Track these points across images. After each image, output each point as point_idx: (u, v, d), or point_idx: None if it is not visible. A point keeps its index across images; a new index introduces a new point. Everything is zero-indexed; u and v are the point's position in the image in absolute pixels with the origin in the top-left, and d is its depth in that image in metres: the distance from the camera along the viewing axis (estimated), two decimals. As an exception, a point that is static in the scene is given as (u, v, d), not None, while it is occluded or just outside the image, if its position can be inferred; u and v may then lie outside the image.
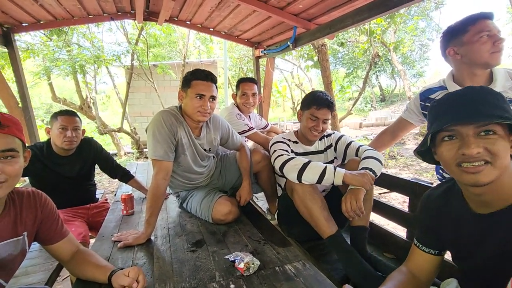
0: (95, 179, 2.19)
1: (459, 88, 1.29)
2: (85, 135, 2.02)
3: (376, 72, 17.59)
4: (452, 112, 0.72)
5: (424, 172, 5.16)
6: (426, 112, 1.47)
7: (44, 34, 5.82)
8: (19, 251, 0.98)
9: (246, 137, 2.13)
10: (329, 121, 1.68)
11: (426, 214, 0.95)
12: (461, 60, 1.28)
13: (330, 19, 2.44)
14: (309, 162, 1.43)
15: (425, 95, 1.46)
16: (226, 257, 1.25)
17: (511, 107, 0.72)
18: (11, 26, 2.55)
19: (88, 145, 2.02)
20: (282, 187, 1.84)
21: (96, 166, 2.11)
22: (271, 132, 2.54)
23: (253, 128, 2.16)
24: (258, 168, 1.90)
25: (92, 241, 1.97)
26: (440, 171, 1.56)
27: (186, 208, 1.83)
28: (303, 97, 1.76)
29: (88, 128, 9.41)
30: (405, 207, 1.65)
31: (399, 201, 3.71)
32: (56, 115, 1.84)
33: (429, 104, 1.45)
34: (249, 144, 2.33)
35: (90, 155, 2.02)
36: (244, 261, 1.16)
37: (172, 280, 1.11)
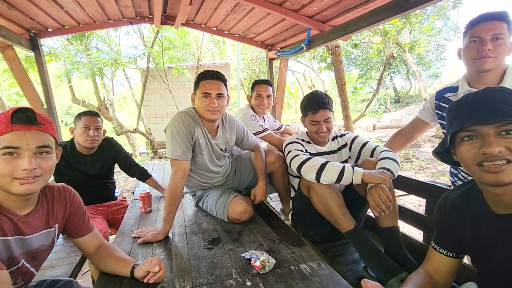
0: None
1: (469, 88, 1.29)
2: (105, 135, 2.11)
3: (390, 73, 17.29)
4: (472, 112, 0.72)
5: (440, 175, 5.03)
6: (439, 112, 1.47)
7: (66, 38, 6.06)
8: (50, 242, 1.04)
9: (260, 138, 2.16)
10: (331, 119, 1.68)
11: (444, 216, 0.95)
12: (463, 62, 1.30)
13: (345, 21, 2.44)
14: (327, 162, 1.44)
15: (440, 94, 1.46)
16: (242, 255, 1.28)
17: None
18: (38, 31, 2.69)
19: (109, 144, 2.11)
20: (296, 187, 1.85)
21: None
22: (285, 133, 2.56)
23: (267, 129, 2.19)
24: (272, 168, 1.92)
25: (111, 237, 2.05)
26: (454, 172, 1.54)
27: (202, 207, 1.87)
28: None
29: (105, 128, 9.72)
30: (420, 211, 1.63)
31: (414, 204, 3.64)
32: (80, 115, 1.93)
33: (443, 104, 1.44)
34: (263, 145, 2.35)
35: (111, 154, 2.11)
36: (260, 259, 1.18)
37: (190, 276, 1.15)
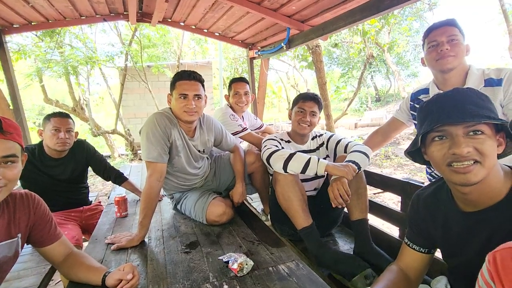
0: (88, 181, 2.18)
1: (437, 90, 1.37)
2: (78, 137, 2.01)
3: (371, 72, 17.74)
4: (442, 113, 0.73)
5: (418, 172, 5.22)
6: (414, 112, 1.53)
7: (36, 35, 5.75)
8: (13, 253, 0.98)
9: (240, 137, 2.14)
10: (318, 116, 1.73)
11: (416, 213, 0.97)
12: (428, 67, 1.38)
13: (323, 21, 2.46)
14: (295, 152, 1.49)
15: (415, 95, 1.53)
16: (220, 258, 1.26)
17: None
18: (2, 27, 2.52)
19: (81, 147, 2.01)
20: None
21: (90, 168, 2.10)
22: (266, 133, 2.55)
23: (247, 129, 2.17)
24: (252, 169, 1.91)
25: (85, 244, 1.96)
26: (429, 171, 1.59)
27: (180, 210, 1.83)
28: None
29: (81, 130, 9.32)
30: (396, 208, 1.67)
31: (393, 201, 3.75)
32: (49, 117, 1.83)
33: (417, 105, 1.50)
34: (244, 145, 2.34)
35: (83, 157, 2.01)
36: (238, 261, 1.16)
37: (166, 282, 1.12)
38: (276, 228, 1.79)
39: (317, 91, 1.74)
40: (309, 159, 1.43)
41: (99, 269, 1.08)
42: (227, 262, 1.20)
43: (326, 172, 1.43)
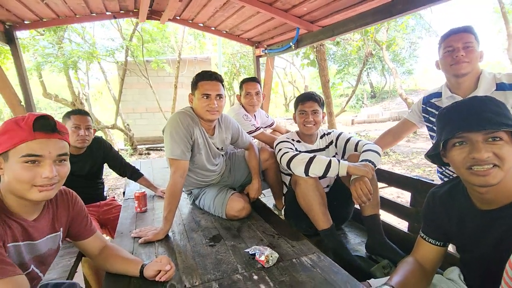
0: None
1: (450, 93, 1.44)
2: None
3: (367, 69, 17.85)
4: (462, 121, 0.80)
5: (415, 168, 5.36)
6: (426, 115, 1.61)
7: (37, 30, 5.68)
8: (56, 246, 1.04)
9: (253, 137, 2.20)
10: (321, 113, 1.78)
11: (432, 210, 1.04)
12: (442, 71, 1.45)
13: (333, 22, 2.52)
14: (314, 156, 1.54)
15: (427, 99, 1.60)
16: (246, 250, 1.33)
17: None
18: (13, 23, 2.52)
19: (98, 143, 2.06)
20: (287, 184, 1.93)
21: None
22: (276, 131, 2.62)
23: (260, 128, 2.23)
24: (266, 165, 1.98)
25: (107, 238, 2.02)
26: (440, 170, 1.68)
27: (198, 205, 1.90)
28: (295, 96, 1.88)
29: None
30: (404, 203, 1.77)
31: (393, 196, 3.87)
32: (69, 114, 1.87)
33: (429, 108, 1.58)
34: (255, 142, 2.40)
35: (100, 154, 2.06)
36: (265, 254, 1.23)
37: (198, 273, 1.18)
38: (291, 223, 1.86)
39: (314, 88, 1.80)
40: (330, 161, 1.49)
41: (136, 261, 1.15)
42: (253, 255, 1.27)
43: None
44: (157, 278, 1.09)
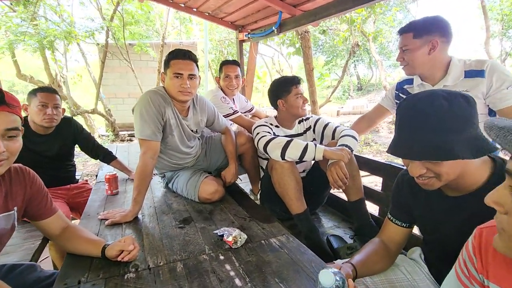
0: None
1: (420, 81, 1.45)
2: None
3: (354, 61, 17.97)
4: (398, 145, 0.81)
5: (395, 158, 5.49)
6: (398, 101, 1.63)
7: (9, 5, 5.32)
8: (10, 226, 0.98)
9: (230, 120, 2.17)
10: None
11: (399, 192, 1.05)
12: None
13: (315, 6, 2.48)
14: (291, 139, 1.53)
15: (400, 85, 1.60)
16: (215, 232, 1.32)
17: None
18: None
19: (68, 124, 1.97)
20: (264, 169, 1.92)
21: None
22: (255, 116, 2.59)
23: (238, 112, 2.20)
24: (243, 150, 1.96)
25: (73, 222, 1.96)
26: None
27: (171, 188, 1.86)
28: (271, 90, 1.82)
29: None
30: (376, 188, 1.80)
31: (372, 183, 3.97)
32: (35, 92, 1.76)
33: (402, 94, 1.59)
34: (233, 127, 2.37)
35: (70, 134, 1.97)
36: (232, 235, 1.23)
37: (164, 253, 1.16)
38: (266, 207, 1.87)
39: (302, 77, 1.77)
40: (307, 145, 1.49)
41: (98, 241, 1.11)
42: (222, 236, 1.26)
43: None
44: (119, 258, 1.06)
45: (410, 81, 1.55)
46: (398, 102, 1.63)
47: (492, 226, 0.60)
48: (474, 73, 1.32)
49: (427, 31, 1.33)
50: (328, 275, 0.69)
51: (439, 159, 0.74)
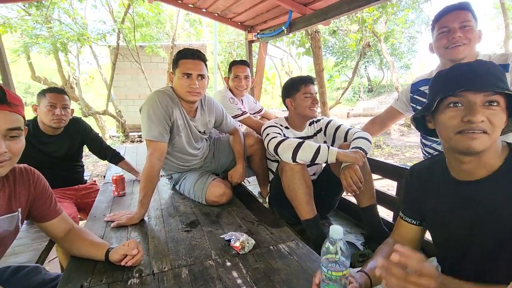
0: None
1: None
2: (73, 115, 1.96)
3: (365, 62, 17.75)
4: (464, 80, 0.73)
5: (408, 161, 5.35)
6: (413, 104, 1.53)
7: (22, 7, 5.46)
8: (14, 227, 0.97)
9: (239, 121, 2.13)
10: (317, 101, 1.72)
11: (410, 185, 0.99)
12: (437, 54, 1.33)
13: (326, 5, 2.42)
14: (303, 141, 1.47)
15: (415, 87, 1.51)
16: (222, 236, 1.28)
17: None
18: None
19: (77, 125, 1.97)
20: (274, 171, 1.87)
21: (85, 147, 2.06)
22: (264, 118, 2.54)
23: (246, 113, 2.16)
24: (251, 151, 1.92)
25: (80, 223, 1.95)
26: (426, 150, 1.59)
27: (179, 190, 1.83)
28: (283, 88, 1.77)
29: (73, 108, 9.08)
30: (391, 193, 1.72)
31: (384, 188, 3.86)
32: (44, 92, 1.77)
33: (417, 97, 1.50)
34: (242, 128, 2.33)
35: (79, 135, 1.97)
36: (240, 240, 1.18)
37: (169, 258, 1.13)
38: (275, 211, 1.81)
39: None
40: (319, 147, 1.43)
41: (102, 245, 1.08)
42: (229, 241, 1.22)
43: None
44: (122, 263, 1.03)
45: (427, 82, 1.46)
46: (413, 105, 1.53)
47: None
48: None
49: (477, 19, 1.23)
50: (338, 229, 0.74)
51: None
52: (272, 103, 18.04)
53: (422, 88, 1.49)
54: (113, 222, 1.40)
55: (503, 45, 7.01)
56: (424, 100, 1.47)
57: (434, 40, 1.32)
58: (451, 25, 1.22)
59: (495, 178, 0.75)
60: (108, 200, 1.73)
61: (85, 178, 2.25)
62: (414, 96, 1.52)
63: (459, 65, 0.78)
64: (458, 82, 0.74)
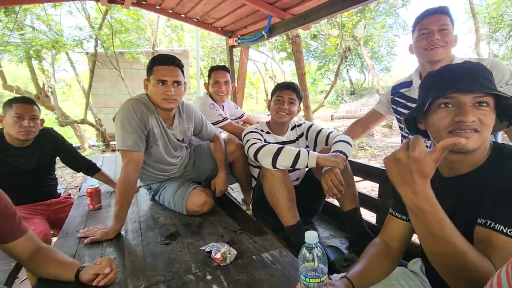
0: (56, 173, 2.03)
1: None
2: (44, 125, 1.86)
3: (346, 66, 18.16)
4: (454, 81, 0.74)
5: (389, 162, 5.46)
6: (394, 106, 1.56)
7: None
8: None
9: (220, 127, 2.09)
10: (297, 105, 1.71)
11: None
12: (416, 55, 1.36)
13: (305, 9, 2.44)
14: (283, 146, 1.46)
15: (396, 89, 1.54)
16: (202, 248, 1.23)
17: None
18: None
19: (48, 135, 1.87)
20: (256, 177, 1.84)
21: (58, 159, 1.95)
22: (246, 123, 2.52)
23: (227, 119, 2.12)
24: (233, 158, 1.88)
25: (54, 239, 1.84)
26: None
27: (158, 201, 1.76)
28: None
29: (46, 119, 8.62)
30: (373, 195, 1.72)
31: (367, 189, 3.90)
32: (10, 103, 1.66)
33: (398, 98, 1.53)
34: (224, 135, 2.29)
35: (50, 147, 1.87)
36: (221, 251, 1.14)
37: (146, 275, 1.07)
38: (258, 218, 1.78)
39: (295, 82, 1.73)
40: (299, 152, 1.41)
41: (72, 264, 1.01)
42: (210, 252, 1.18)
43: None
44: (94, 283, 0.96)
45: (407, 84, 1.49)
46: (394, 107, 1.56)
47: None
48: None
49: (454, 24, 1.27)
50: (313, 234, 0.73)
51: (503, 93, 0.71)
52: (257, 107, 18.07)
53: (402, 91, 1.52)
54: (87, 238, 1.31)
55: (475, 48, 7.36)
56: (404, 101, 1.50)
57: (414, 41, 1.35)
58: (431, 27, 1.26)
59: (477, 174, 0.76)
60: (83, 215, 1.64)
61: (60, 191, 2.14)
62: (395, 98, 1.55)
63: (448, 66, 0.79)
64: (448, 83, 0.74)
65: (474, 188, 0.75)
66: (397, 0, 11.62)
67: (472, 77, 0.73)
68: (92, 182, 2.09)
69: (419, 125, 0.86)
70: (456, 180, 0.79)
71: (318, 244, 0.73)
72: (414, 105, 1.43)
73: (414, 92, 1.43)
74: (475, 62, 0.77)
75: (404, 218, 0.97)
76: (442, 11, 1.27)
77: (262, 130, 1.74)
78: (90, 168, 1.98)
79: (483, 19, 11.42)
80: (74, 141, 7.85)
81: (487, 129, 0.73)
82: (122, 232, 1.41)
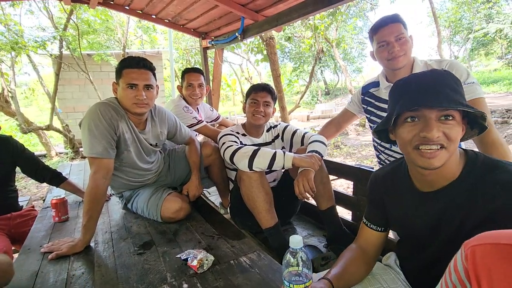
0: (18, 184, 1.88)
1: (387, 83, 1.43)
2: (1, 133, 1.71)
3: (320, 67, 18.65)
4: (420, 94, 0.73)
5: (364, 159, 5.66)
6: (365, 105, 1.61)
7: None
8: None
9: (195, 130, 2.04)
10: (272, 107, 1.71)
11: (373, 193, 1.01)
12: (379, 62, 1.42)
13: (277, 12, 2.46)
14: (259, 148, 1.45)
15: (366, 89, 1.59)
16: (178, 256, 1.19)
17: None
18: None
19: (6, 144, 1.72)
20: (233, 180, 1.82)
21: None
22: (222, 125, 2.48)
23: (202, 121, 2.08)
24: (209, 161, 1.85)
25: (16, 256, 1.70)
26: (378, 159, 1.69)
27: (131, 209, 1.69)
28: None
29: (7, 126, 8.02)
30: (349, 193, 1.77)
31: (343, 187, 4.01)
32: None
33: (368, 98, 1.57)
34: (199, 138, 2.24)
35: (8, 156, 1.72)
36: (197, 258, 1.11)
37: (117, 288, 1.01)
38: (237, 221, 1.76)
39: (271, 84, 1.73)
40: (275, 153, 1.41)
41: None
42: (186, 260, 1.14)
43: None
44: None
45: (375, 84, 1.53)
46: (365, 106, 1.60)
47: (486, 244, 0.52)
48: None
49: (407, 27, 1.31)
50: (298, 239, 0.72)
51: (469, 108, 0.70)
52: (234, 109, 18.01)
53: (371, 90, 1.56)
54: (52, 253, 1.22)
55: (437, 50, 7.83)
56: (373, 101, 1.55)
57: (375, 51, 1.39)
58: (388, 39, 1.31)
59: (453, 186, 0.77)
60: (47, 228, 1.53)
61: (22, 203, 1.98)
62: (365, 98, 1.59)
63: (414, 77, 0.78)
64: (414, 97, 0.74)
65: (455, 200, 0.76)
66: (366, 3, 12.11)
67: (438, 89, 0.72)
68: (58, 192, 1.96)
69: (390, 135, 0.87)
70: (436, 194, 0.80)
71: (303, 248, 0.72)
72: (382, 105, 1.49)
73: (382, 92, 1.48)
74: (442, 71, 0.77)
75: (379, 230, 0.99)
76: (395, 20, 1.32)
77: (238, 133, 1.72)
78: (54, 178, 1.85)
79: (444, 22, 12.23)
80: (39, 149, 7.36)
81: (453, 143, 0.73)
82: (92, 244, 1.33)
